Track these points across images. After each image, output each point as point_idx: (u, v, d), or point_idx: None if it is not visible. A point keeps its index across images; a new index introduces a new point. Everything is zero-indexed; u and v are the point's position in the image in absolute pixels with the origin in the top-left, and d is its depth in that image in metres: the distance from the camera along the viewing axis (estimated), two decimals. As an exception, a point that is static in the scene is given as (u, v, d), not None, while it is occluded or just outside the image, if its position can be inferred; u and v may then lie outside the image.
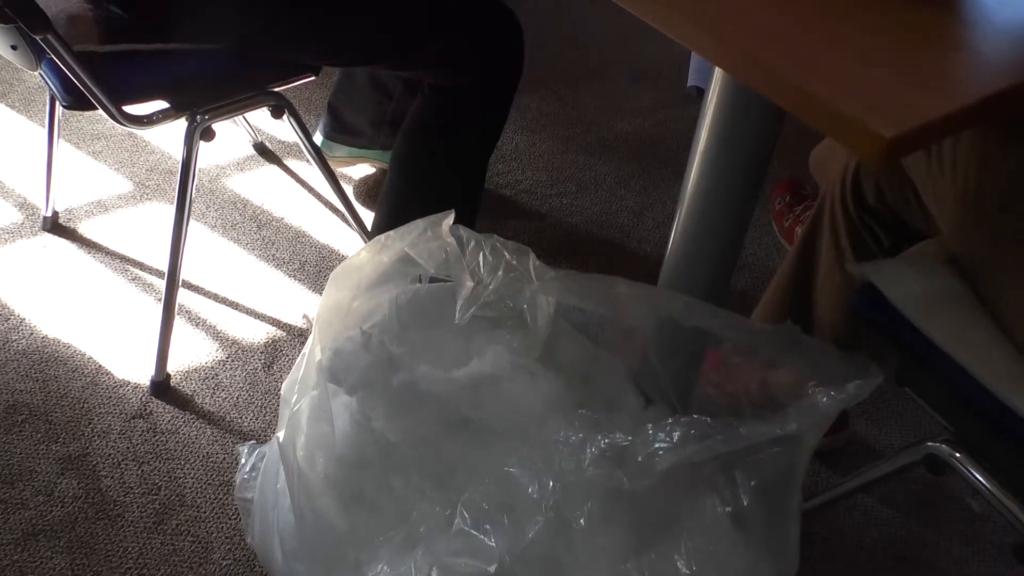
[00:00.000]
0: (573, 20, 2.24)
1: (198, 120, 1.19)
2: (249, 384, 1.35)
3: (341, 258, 1.57)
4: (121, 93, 1.10)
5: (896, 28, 0.72)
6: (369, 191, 1.70)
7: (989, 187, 0.87)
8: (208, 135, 1.21)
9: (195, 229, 1.58)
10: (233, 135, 1.77)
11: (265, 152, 1.78)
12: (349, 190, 1.68)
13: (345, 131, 1.63)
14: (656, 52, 2.10)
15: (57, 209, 1.58)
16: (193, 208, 1.57)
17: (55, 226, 1.57)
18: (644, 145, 1.90)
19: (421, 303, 1.07)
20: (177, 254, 1.27)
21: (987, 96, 0.66)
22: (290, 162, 1.77)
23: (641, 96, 2.03)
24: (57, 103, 1.29)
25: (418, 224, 1.03)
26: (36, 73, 1.11)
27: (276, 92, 1.25)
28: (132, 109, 1.13)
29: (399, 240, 1.03)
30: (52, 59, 1.03)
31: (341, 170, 1.69)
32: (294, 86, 1.26)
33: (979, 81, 0.68)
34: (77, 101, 1.11)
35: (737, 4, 0.73)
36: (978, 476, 0.91)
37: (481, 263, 1.04)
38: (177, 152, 1.74)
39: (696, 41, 0.72)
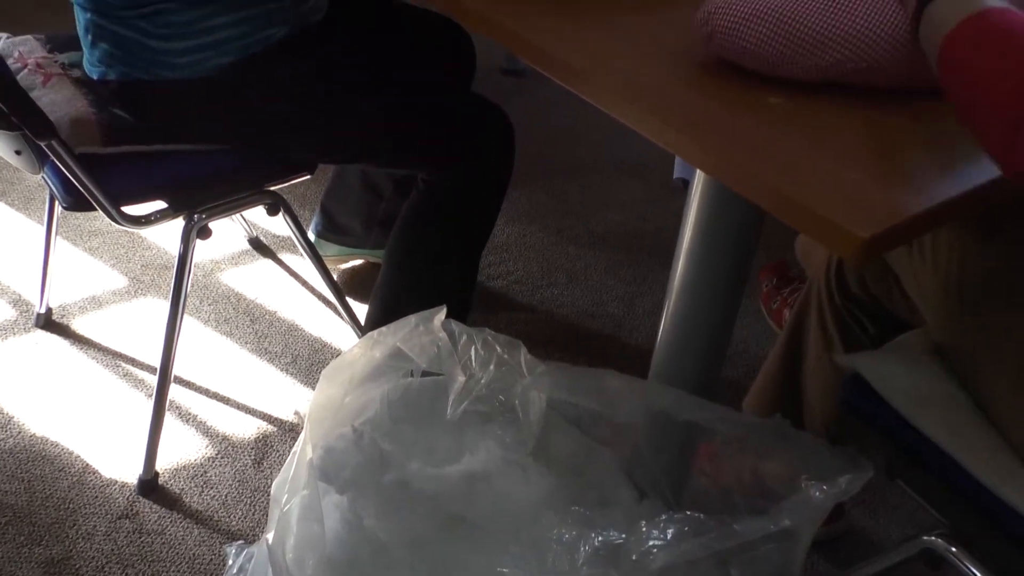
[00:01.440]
0: (561, 116, 2.32)
1: (195, 219, 1.21)
2: (238, 481, 1.33)
3: (333, 351, 1.57)
4: (120, 194, 1.13)
5: (865, 130, 0.75)
6: (360, 282, 1.72)
7: (969, 279, 0.89)
8: (205, 233, 1.23)
9: (188, 323, 1.59)
10: (229, 229, 1.80)
11: (260, 246, 1.81)
12: (337, 280, 1.70)
13: (337, 230, 1.67)
14: (642, 146, 2.15)
15: (51, 306, 1.59)
16: (187, 303, 1.58)
17: (48, 323, 1.57)
18: (632, 236, 1.93)
19: (413, 398, 1.07)
20: (170, 350, 1.27)
21: (958, 196, 0.69)
22: (284, 256, 1.79)
23: (629, 188, 2.08)
24: (57, 203, 1.32)
25: (410, 319, 1.04)
26: (39, 176, 1.14)
27: (272, 191, 1.28)
28: (131, 209, 1.15)
29: (392, 335, 1.04)
30: (54, 162, 1.06)
31: (332, 266, 1.72)
32: (290, 184, 1.30)
33: (950, 181, 0.71)
34: (77, 202, 1.13)
35: (713, 108, 0.77)
36: (975, 572, 0.90)
37: (473, 357, 1.05)
38: (173, 247, 1.77)
39: (675, 144, 0.76)
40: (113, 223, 1.14)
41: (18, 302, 1.62)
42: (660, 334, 1.08)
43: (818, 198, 0.66)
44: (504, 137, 1.26)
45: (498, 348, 1.05)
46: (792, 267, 1.69)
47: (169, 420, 1.39)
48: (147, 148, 1.16)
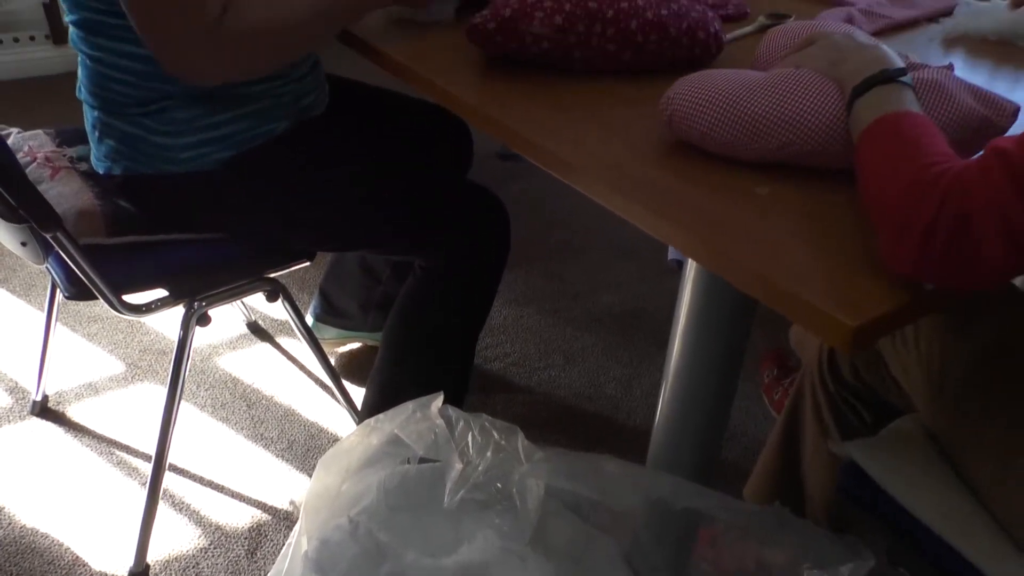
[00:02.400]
0: (556, 200, 2.37)
1: (195, 307, 1.23)
2: (231, 573, 1.30)
3: (330, 436, 1.56)
4: (122, 283, 1.14)
5: (852, 219, 0.77)
6: (358, 365, 1.72)
7: (951, 370, 0.90)
8: (204, 320, 1.24)
9: (184, 409, 1.58)
10: (227, 313, 1.82)
11: (258, 330, 1.82)
12: (334, 363, 1.71)
13: (335, 314, 1.68)
14: (636, 228, 2.17)
15: (47, 393, 1.58)
16: (184, 388, 1.58)
17: (44, 410, 1.57)
18: (629, 317, 1.95)
19: (410, 485, 1.06)
20: (166, 438, 1.27)
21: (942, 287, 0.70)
22: (282, 339, 1.80)
23: (624, 270, 2.10)
24: (58, 292, 1.33)
25: (408, 406, 1.04)
26: (43, 267, 1.16)
27: (272, 278, 1.30)
28: (132, 298, 1.17)
29: (389, 422, 1.04)
30: (58, 252, 1.08)
31: (330, 349, 1.73)
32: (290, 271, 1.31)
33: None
34: (79, 292, 1.15)
35: (701, 198, 0.79)
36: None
37: (470, 443, 1.04)
38: (171, 331, 1.78)
39: (665, 233, 0.77)
40: (114, 311, 1.16)
41: (14, 389, 1.62)
42: (657, 417, 1.09)
43: (806, 287, 0.68)
44: (500, 224, 1.28)
45: (495, 434, 1.05)
46: (791, 356, 1.70)
47: (162, 508, 1.37)
48: (149, 238, 1.18)
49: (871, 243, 0.74)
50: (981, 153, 0.64)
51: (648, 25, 1.02)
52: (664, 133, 0.90)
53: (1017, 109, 0.82)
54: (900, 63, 0.78)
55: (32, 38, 2.98)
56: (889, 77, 0.75)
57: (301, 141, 1.19)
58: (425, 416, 1.03)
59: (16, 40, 2.96)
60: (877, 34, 1.23)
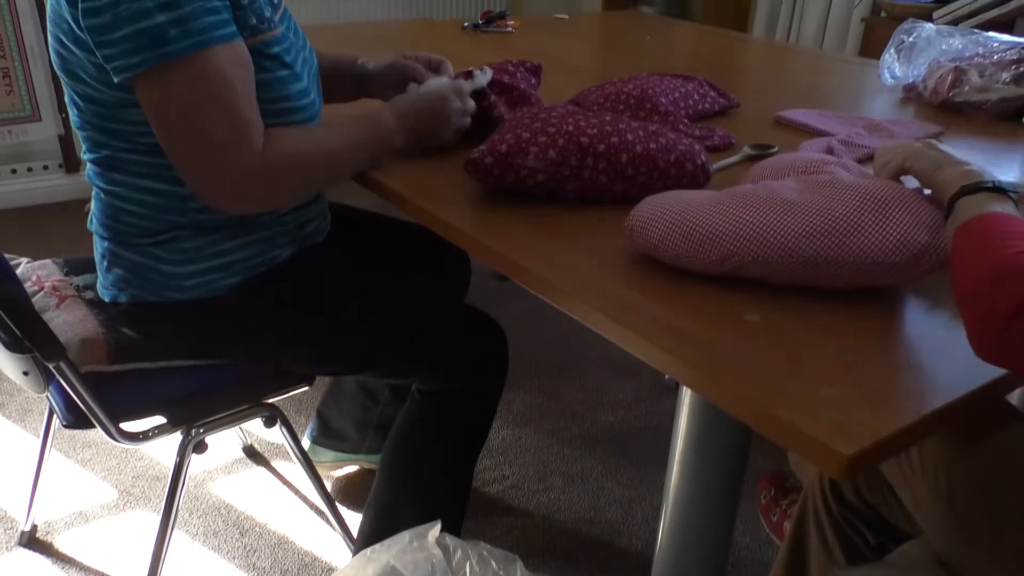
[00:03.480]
0: (552, 318, 2.39)
1: (193, 434, 1.22)
2: None
3: (324, 565, 1.52)
4: (121, 411, 1.15)
5: (842, 344, 0.79)
6: (354, 489, 1.69)
7: (959, 491, 0.89)
8: (201, 448, 1.24)
9: (176, 537, 1.55)
10: (224, 437, 1.80)
11: (254, 454, 1.80)
12: (330, 487, 1.68)
13: (332, 436, 1.67)
14: (633, 346, 2.22)
15: (37, 522, 1.55)
16: (176, 516, 1.55)
17: (32, 540, 1.53)
18: (628, 436, 1.93)
19: (406, 619, 1.03)
20: (156, 569, 1.23)
21: (940, 408, 0.71)
22: (278, 463, 1.78)
23: (622, 388, 2.10)
24: (55, 418, 1.33)
25: (404, 536, 1.02)
26: (43, 395, 1.16)
27: (270, 403, 1.30)
28: (129, 425, 1.17)
29: (385, 552, 1.02)
30: (59, 381, 1.09)
31: (327, 472, 1.71)
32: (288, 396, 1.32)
33: (931, 394, 0.73)
34: (78, 420, 1.15)
35: (693, 325, 0.81)
36: None
37: (468, 574, 1.02)
38: (166, 457, 1.76)
39: (659, 361, 0.79)
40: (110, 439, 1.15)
41: (3, 519, 1.58)
42: (659, 543, 1.07)
43: (800, 415, 0.68)
44: (498, 347, 1.30)
45: (494, 563, 1.02)
46: (789, 477, 1.68)
47: (149, 646, 1.31)
48: (151, 365, 1.19)
49: (867, 368, 0.75)
50: None
51: (638, 158, 1.07)
52: (655, 262, 0.93)
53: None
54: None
55: (45, 167, 3.09)
56: (998, 187, 0.77)
57: (303, 267, 1.22)
58: (422, 546, 1.02)
59: (30, 169, 3.07)
60: (858, 163, 1.28)
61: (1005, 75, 1.54)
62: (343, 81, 1.38)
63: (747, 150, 1.30)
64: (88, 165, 1.15)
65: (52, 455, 1.72)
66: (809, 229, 0.83)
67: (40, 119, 2.97)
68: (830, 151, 1.29)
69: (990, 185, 0.77)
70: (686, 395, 0.99)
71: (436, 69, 1.34)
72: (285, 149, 1.05)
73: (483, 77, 1.28)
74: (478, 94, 1.27)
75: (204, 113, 0.98)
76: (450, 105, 1.21)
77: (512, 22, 2.37)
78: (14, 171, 3.04)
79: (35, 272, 1.29)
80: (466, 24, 2.32)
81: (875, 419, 0.68)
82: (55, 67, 1.08)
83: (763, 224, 0.84)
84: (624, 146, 1.07)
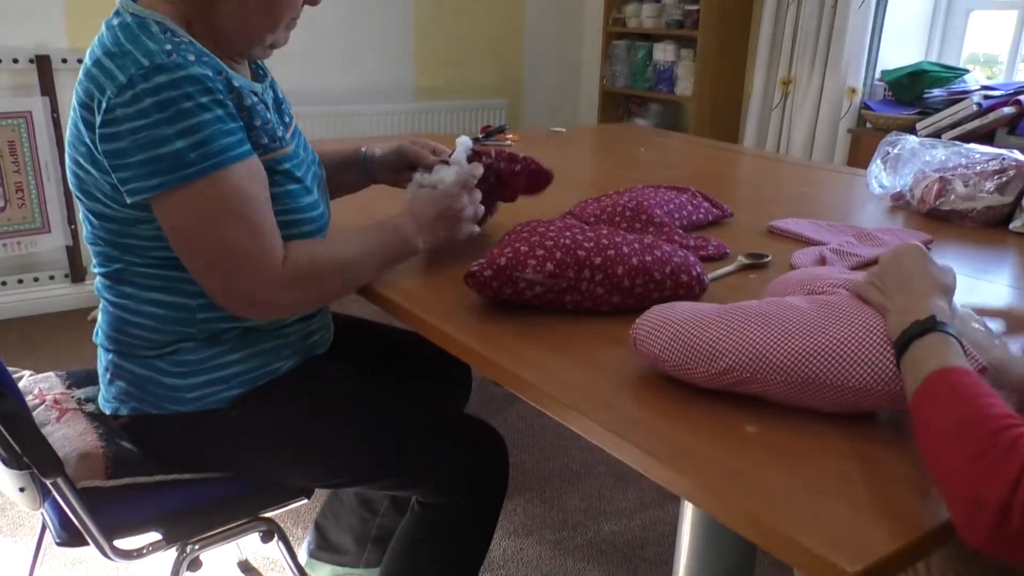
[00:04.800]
0: (553, 424, 2.38)
1: (188, 551, 1.20)
2: None
3: None
4: (117, 528, 1.13)
5: (843, 458, 0.79)
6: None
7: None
8: (196, 565, 1.21)
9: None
10: (219, 550, 1.76)
11: (249, 569, 1.75)
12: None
13: (330, 549, 1.63)
14: (635, 452, 2.19)
15: (23, 644, 1.50)
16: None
17: (16, 664, 1.47)
18: (632, 546, 1.89)
19: None
20: None
21: (943, 524, 0.70)
22: (273, 579, 1.73)
23: (624, 496, 2.07)
24: (48, 534, 1.31)
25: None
26: (38, 512, 1.15)
27: (268, 518, 1.28)
28: (124, 542, 1.14)
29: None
30: (55, 497, 1.08)
31: (325, 587, 1.66)
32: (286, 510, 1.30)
33: (933, 508, 0.72)
34: (71, 538, 1.13)
35: (692, 438, 0.81)
36: None
37: None
38: (158, 573, 1.71)
39: (659, 474, 0.79)
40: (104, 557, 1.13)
41: (-12, 641, 1.53)
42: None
43: (802, 531, 0.68)
44: (498, 459, 1.29)
45: None
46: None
47: None
48: (148, 479, 1.18)
49: (867, 482, 0.75)
50: None
51: (634, 270, 1.09)
52: (655, 373, 0.94)
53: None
54: (947, 312, 0.81)
55: (52, 277, 3.14)
56: (936, 327, 0.77)
57: (305, 379, 1.23)
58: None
59: (36, 279, 3.12)
60: (852, 270, 1.31)
61: (989, 184, 1.59)
62: (350, 171, 1.45)
63: (742, 260, 1.33)
64: (97, 278, 1.17)
65: (43, 571, 1.67)
66: (808, 350, 0.84)
67: (49, 230, 3.04)
68: (822, 260, 1.32)
69: (931, 326, 0.77)
70: (688, 507, 0.98)
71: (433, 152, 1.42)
72: (307, 257, 1.09)
73: (464, 141, 1.35)
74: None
75: (225, 228, 1.02)
76: (463, 204, 1.27)
77: (511, 136, 2.46)
78: (20, 281, 3.09)
79: (37, 385, 1.29)
80: (467, 138, 2.41)
81: (879, 535, 0.68)
82: (71, 187, 1.12)
83: (764, 342, 0.85)
84: (620, 258, 1.09)
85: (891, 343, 0.82)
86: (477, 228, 1.31)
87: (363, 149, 1.45)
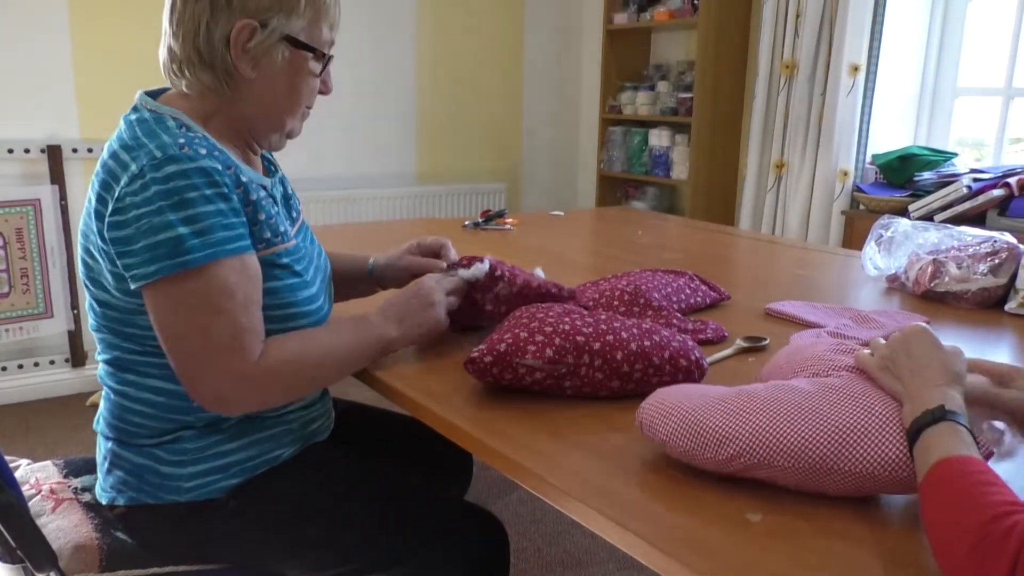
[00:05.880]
0: (555, 509, 2.33)
1: (180, 646, 1.17)
2: None
3: None
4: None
5: (846, 552, 0.78)
6: None
7: None
8: (187, 662, 1.17)
9: None
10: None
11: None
12: None
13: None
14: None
15: None
16: None
17: None
18: (638, 639, 1.83)
19: None
20: None
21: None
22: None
23: (629, 585, 2.02)
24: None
25: None
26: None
27: (263, 609, 1.25)
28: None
29: None
30: (47, 591, 1.06)
31: None
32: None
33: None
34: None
35: (696, 528, 0.80)
36: None
37: None
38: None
39: (664, 568, 0.77)
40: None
41: None
42: None
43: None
44: (499, 546, 1.27)
45: None
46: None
47: None
48: (142, 572, 1.15)
49: (875, 573, 0.74)
50: None
51: (633, 356, 1.10)
52: (656, 459, 0.93)
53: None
54: (957, 401, 0.82)
55: (52, 362, 3.14)
56: (945, 416, 0.78)
57: (305, 467, 1.22)
58: None
59: (36, 364, 3.12)
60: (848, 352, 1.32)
61: (982, 267, 1.61)
62: (358, 279, 1.47)
63: (740, 343, 1.33)
64: (101, 365, 1.18)
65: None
66: (814, 434, 0.84)
67: (52, 315, 3.06)
68: (820, 343, 1.33)
69: (941, 415, 0.78)
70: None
71: (437, 253, 1.42)
72: (279, 355, 1.09)
73: (482, 266, 1.31)
74: (473, 285, 1.31)
75: (204, 319, 1.03)
76: (430, 288, 1.25)
77: (511, 220, 2.50)
78: (20, 366, 3.09)
79: (34, 474, 1.28)
80: (467, 223, 2.45)
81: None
82: (80, 275, 1.14)
83: (770, 427, 0.85)
84: (619, 344, 1.10)
85: (898, 428, 0.83)
86: (446, 319, 1.27)
87: (371, 259, 1.48)
